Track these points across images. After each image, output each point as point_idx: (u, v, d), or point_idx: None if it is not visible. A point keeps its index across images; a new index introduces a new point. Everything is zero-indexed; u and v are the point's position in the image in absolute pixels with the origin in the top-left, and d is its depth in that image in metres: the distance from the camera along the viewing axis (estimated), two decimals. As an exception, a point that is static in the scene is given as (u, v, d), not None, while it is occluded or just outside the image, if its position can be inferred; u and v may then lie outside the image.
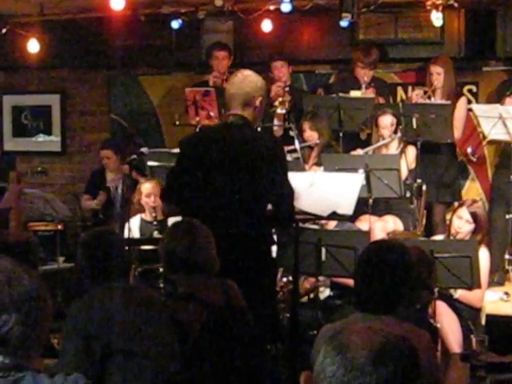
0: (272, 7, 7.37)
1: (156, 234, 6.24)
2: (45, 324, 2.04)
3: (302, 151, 6.63)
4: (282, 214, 4.26)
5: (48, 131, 9.09)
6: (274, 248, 5.52)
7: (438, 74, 6.95)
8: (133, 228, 6.69)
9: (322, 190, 4.84)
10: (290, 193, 4.22)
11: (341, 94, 7.12)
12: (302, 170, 6.11)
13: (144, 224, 6.70)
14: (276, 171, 4.17)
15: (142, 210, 6.77)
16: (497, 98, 7.27)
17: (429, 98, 6.95)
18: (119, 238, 3.72)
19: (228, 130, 4.32)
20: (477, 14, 7.42)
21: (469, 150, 6.78)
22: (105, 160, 7.70)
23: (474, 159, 7.03)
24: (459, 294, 5.31)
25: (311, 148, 6.85)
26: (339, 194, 4.77)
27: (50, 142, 9.09)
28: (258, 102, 4.26)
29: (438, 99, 6.94)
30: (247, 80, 4.27)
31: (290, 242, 4.94)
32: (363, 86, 7.19)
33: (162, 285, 5.54)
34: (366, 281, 3.06)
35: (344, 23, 7.14)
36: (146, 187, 6.62)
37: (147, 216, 6.69)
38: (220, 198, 4.18)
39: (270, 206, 4.25)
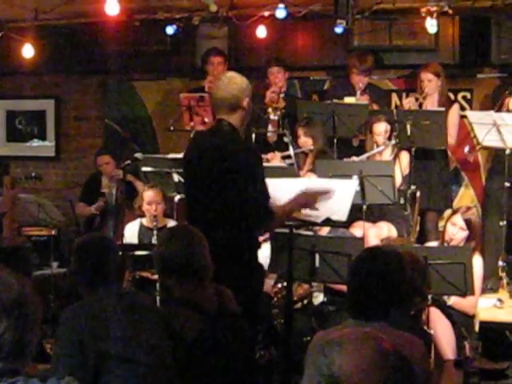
0: (267, 13, 7.39)
1: (154, 241, 6.20)
2: (35, 329, 2.04)
3: (296, 157, 6.63)
4: (251, 221, 4.17)
5: (42, 136, 9.08)
6: (265, 253, 5.52)
7: (428, 81, 6.95)
8: (131, 232, 6.64)
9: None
10: (258, 201, 4.12)
11: (335, 101, 7.13)
12: (297, 176, 6.11)
13: (143, 229, 6.64)
14: (243, 177, 4.12)
15: (144, 215, 6.73)
16: (492, 103, 7.28)
17: (420, 105, 6.95)
18: (113, 244, 3.71)
19: (206, 137, 4.39)
20: (471, 21, 7.45)
21: (465, 149, 6.76)
22: (103, 166, 7.68)
23: (471, 159, 7.04)
24: (453, 300, 5.31)
25: (306, 154, 6.84)
26: (333, 200, 4.77)
27: (44, 147, 9.08)
28: (245, 103, 4.25)
29: (429, 106, 6.95)
30: (232, 82, 4.26)
31: (283, 248, 4.93)
32: (358, 92, 7.20)
33: (157, 291, 5.53)
34: (359, 287, 3.05)
35: (339, 29, 7.16)
36: (148, 195, 6.56)
37: (147, 222, 6.64)
38: (198, 205, 4.23)
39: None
